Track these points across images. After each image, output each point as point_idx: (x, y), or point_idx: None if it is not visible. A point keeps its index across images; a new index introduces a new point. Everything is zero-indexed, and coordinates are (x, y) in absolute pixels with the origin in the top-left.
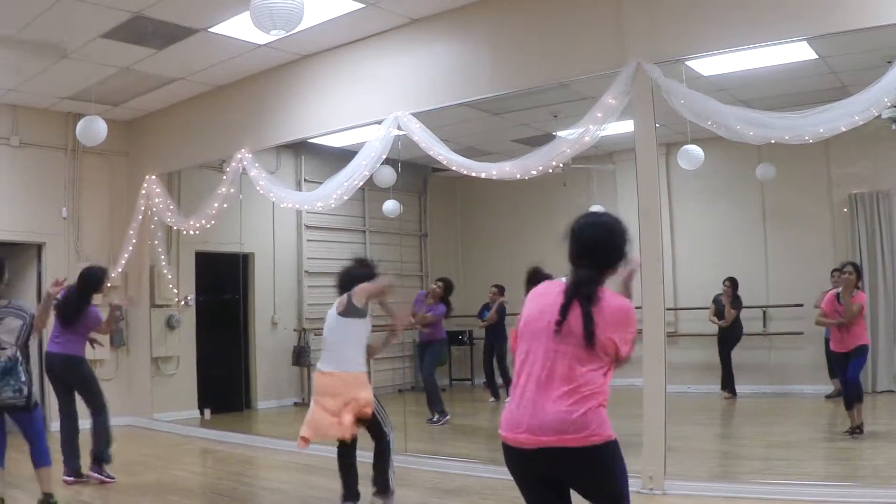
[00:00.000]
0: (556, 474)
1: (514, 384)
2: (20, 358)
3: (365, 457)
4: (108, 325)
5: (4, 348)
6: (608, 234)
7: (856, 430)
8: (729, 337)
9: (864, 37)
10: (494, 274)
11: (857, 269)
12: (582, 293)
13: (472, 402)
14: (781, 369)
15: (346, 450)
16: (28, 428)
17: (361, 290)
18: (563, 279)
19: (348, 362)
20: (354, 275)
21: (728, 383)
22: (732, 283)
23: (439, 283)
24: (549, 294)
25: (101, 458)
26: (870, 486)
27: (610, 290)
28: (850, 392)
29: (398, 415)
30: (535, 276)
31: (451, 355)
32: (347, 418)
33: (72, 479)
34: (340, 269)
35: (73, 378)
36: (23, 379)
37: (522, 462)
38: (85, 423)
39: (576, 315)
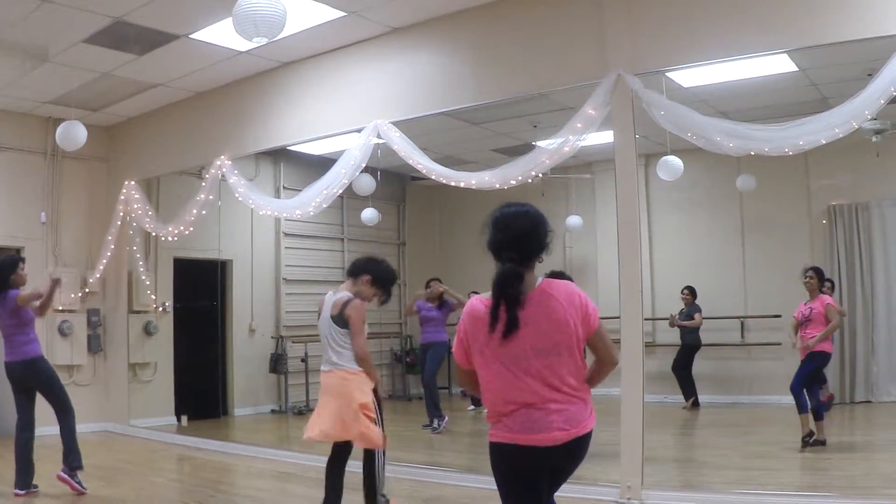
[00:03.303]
0: None
1: None
2: None
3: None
4: (47, 301)
5: None
6: (534, 224)
7: (806, 439)
8: (692, 348)
9: (845, 50)
10: (472, 283)
11: (818, 274)
12: (508, 294)
13: (449, 410)
14: (759, 380)
15: (337, 459)
16: None
17: (357, 316)
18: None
19: (344, 357)
20: (361, 267)
21: (691, 393)
22: (692, 291)
23: (434, 282)
24: None
25: (73, 465)
26: (846, 497)
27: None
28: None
29: None
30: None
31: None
32: (355, 427)
33: (23, 492)
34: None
35: (35, 380)
36: None
37: None
38: (49, 428)
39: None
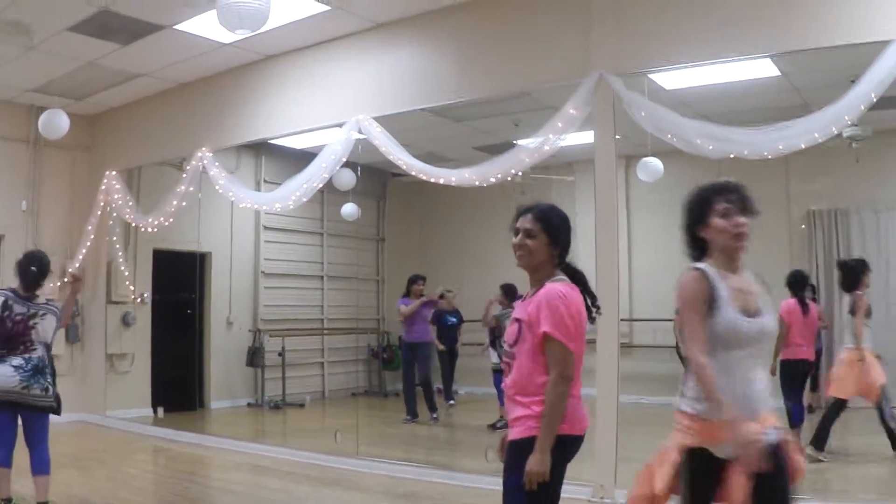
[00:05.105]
0: None
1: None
2: (48, 358)
3: None
4: (70, 305)
5: (35, 348)
6: None
7: None
8: None
9: (828, 55)
10: (450, 280)
11: (787, 281)
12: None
13: (424, 407)
14: None
15: None
16: (39, 432)
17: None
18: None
19: None
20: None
21: None
22: None
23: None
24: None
25: None
26: (821, 500)
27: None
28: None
29: (350, 418)
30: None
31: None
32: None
33: None
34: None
35: None
36: (49, 380)
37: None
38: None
39: None
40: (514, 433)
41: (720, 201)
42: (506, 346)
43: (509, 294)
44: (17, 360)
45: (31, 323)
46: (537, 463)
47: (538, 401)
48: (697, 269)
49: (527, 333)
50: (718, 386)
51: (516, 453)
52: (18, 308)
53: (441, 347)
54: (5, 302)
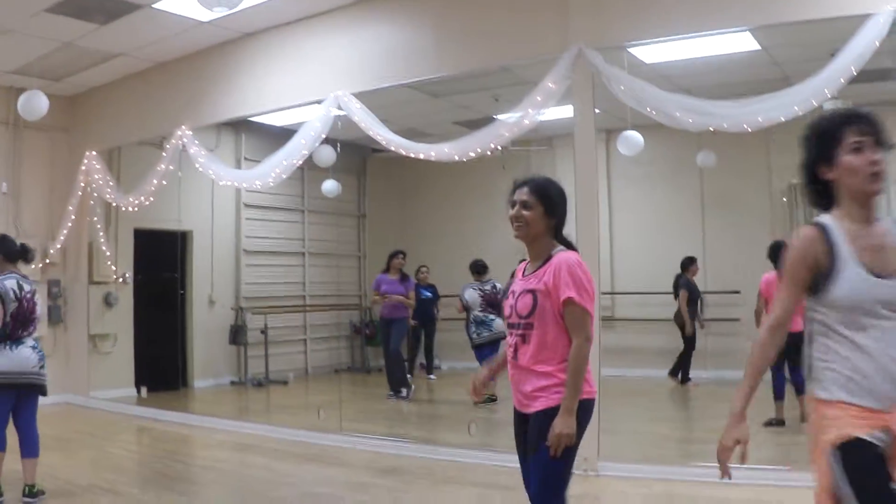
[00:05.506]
0: None
1: None
2: None
3: None
4: None
5: (37, 327)
6: None
7: (772, 421)
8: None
9: (808, 29)
10: (431, 255)
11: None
12: None
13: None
14: (718, 355)
15: None
16: (31, 414)
17: None
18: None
19: None
20: None
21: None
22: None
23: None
24: None
25: None
26: (802, 471)
27: None
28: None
29: (333, 394)
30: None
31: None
32: None
33: None
34: None
35: None
36: None
37: None
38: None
39: None
40: (542, 403)
41: (851, 134)
42: (514, 319)
43: (477, 270)
44: (30, 342)
45: (35, 299)
46: (566, 425)
47: (564, 367)
48: (818, 224)
49: (545, 302)
50: (853, 366)
51: (550, 423)
52: (27, 286)
53: (412, 323)
54: (18, 282)
